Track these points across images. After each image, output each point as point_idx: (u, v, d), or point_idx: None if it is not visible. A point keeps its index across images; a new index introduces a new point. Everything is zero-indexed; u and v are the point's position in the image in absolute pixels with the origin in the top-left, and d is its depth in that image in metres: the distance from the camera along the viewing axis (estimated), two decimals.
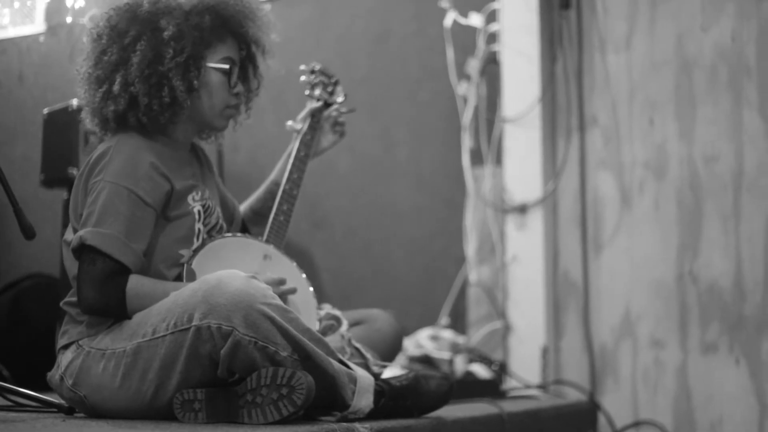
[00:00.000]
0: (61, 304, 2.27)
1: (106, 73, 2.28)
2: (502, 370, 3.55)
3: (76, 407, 2.25)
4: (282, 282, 2.32)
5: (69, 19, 4.33)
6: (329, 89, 2.74)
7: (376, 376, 2.23)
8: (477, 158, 3.84)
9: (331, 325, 2.51)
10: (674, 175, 3.54)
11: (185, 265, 2.25)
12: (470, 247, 3.82)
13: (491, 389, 3.24)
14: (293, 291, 2.36)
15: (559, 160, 3.72)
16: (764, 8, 3.44)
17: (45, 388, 2.31)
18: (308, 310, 2.42)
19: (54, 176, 3.59)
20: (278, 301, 2.07)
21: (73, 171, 3.43)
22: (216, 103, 2.36)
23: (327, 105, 2.71)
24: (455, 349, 3.56)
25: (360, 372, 2.16)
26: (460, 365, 3.51)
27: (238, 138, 4.00)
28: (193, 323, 2.03)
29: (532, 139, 3.70)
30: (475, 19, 3.84)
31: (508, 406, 2.79)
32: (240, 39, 2.40)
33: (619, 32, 3.66)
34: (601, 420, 3.48)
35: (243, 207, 2.65)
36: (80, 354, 2.18)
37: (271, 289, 2.09)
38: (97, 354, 2.16)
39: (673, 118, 3.56)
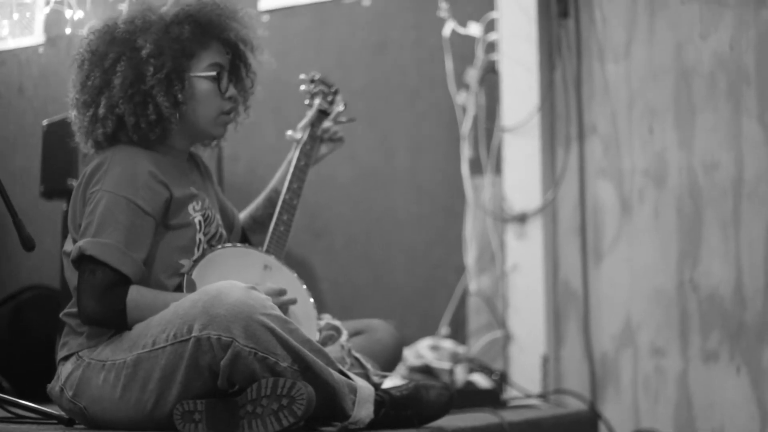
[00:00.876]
0: (60, 315, 2.27)
1: (92, 97, 2.29)
2: (502, 379, 3.55)
3: (76, 419, 2.25)
4: (282, 292, 2.32)
5: (68, 31, 4.33)
6: (329, 98, 2.74)
7: (377, 387, 2.23)
8: (476, 167, 3.84)
9: (331, 336, 2.51)
10: (674, 183, 3.54)
11: (185, 275, 2.25)
12: (470, 257, 3.81)
13: (492, 399, 3.24)
14: (293, 301, 2.35)
15: (559, 168, 3.72)
16: (762, 16, 3.44)
17: (45, 399, 2.31)
18: (308, 321, 2.41)
19: (54, 187, 3.60)
20: (278, 312, 2.07)
21: (73, 182, 3.43)
22: (209, 112, 2.35)
23: (327, 114, 2.71)
24: (455, 358, 3.55)
25: (360, 382, 2.15)
26: (461, 375, 3.51)
27: (237, 148, 4.01)
28: (193, 334, 2.03)
29: (532, 148, 3.70)
30: (474, 29, 3.85)
31: (509, 416, 2.78)
32: (224, 42, 2.38)
33: (618, 41, 3.67)
34: (602, 429, 3.47)
35: (243, 215, 2.65)
36: (80, 365, 2.18)
37: (271, 300, 2.09)
38: (97, 365, 2.16)
39: (673, 126, 3.56)
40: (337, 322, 2.55)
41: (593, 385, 3.59)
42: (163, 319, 2.10)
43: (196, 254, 2.30)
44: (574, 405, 3.51)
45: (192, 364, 2.05)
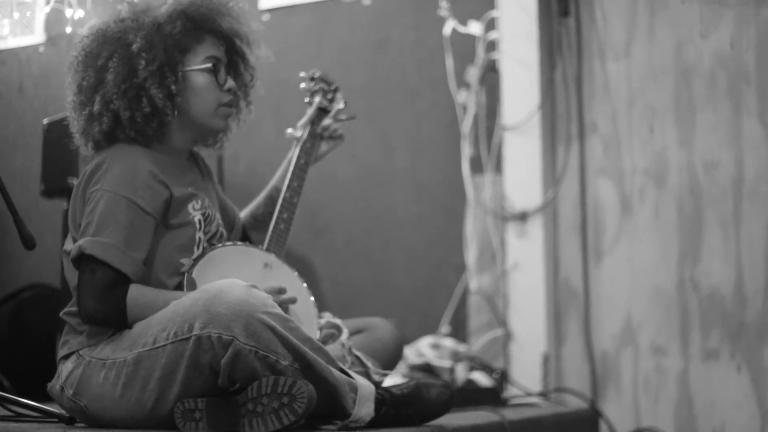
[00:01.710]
0: (61, 314, 2.27)
1: (87, 96, 2.30)
2: (503, 378, 3.55)
3: (76, 417, 2.25)
4: (282, 291, 2.32)
5: (69, 30, 4.33)
6: (329, 96, 2.74)
7: (377, 385, 2.23)
8: (477, 166, 3.84)
9: (332, 334, 2.51)
10: (674, 182, 3.54)
11: (186, 274, 2.25)
12: (470, 255, 3.81)
13: (492, 397, 3.24)
14: (294, 300, 2.35)
15: (559, 167, 3.72)
16: (763, 15, 3.44)
17: (45, 398, 2.31)
18: (309, 319, 2.41)
19: (54, 186, 3.60)
20: (278, 310, 2.07)
21: (73, 181, 3.43)
22: (207, 104, 2.35)
23: (327, 112, 2.71)
24: (456, 357, 3.55)
25: (361, 381, 2.15)
26: (461, 373, 3.51)
27: (237, 147, 4.01)
28: (194, 333, 2.03)
29: (532, 147, 3.70)
30: (475, 28, 3.85)
31: (510, 414, 2.78)
32: (218, 35, 2.39)
33: (618, 40, 3.67)
34: (603, 428, 3.47)
35: (243, 213, 2.65)
36: (81, 364, 2.18)
37: (272, 298, 2.09)
38: (97, 364, 2.16)
39: (673, 125, 3.56)
40: (337, 321, 2.55)
41: (594, 384, 3.59)
42: (164, 317, 2.10)
43: (196, 253, 2.30)
44: (575, 403, 3.50)
45: (192, 362, 2.05)
